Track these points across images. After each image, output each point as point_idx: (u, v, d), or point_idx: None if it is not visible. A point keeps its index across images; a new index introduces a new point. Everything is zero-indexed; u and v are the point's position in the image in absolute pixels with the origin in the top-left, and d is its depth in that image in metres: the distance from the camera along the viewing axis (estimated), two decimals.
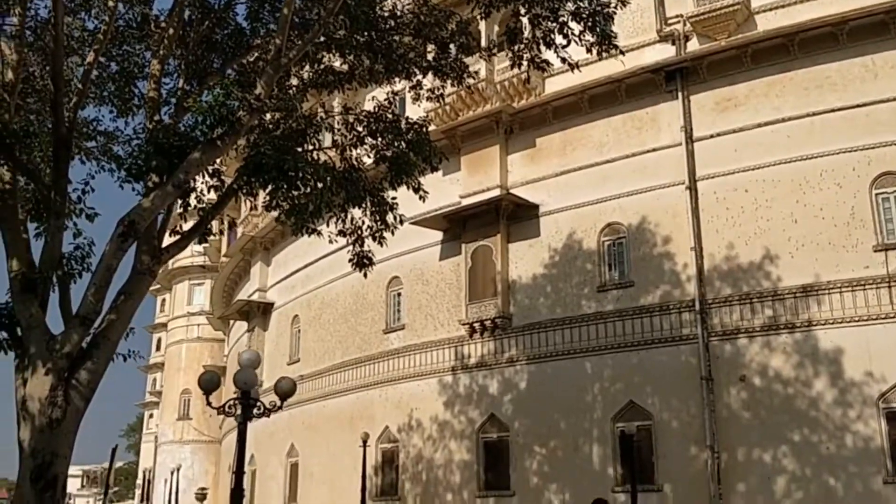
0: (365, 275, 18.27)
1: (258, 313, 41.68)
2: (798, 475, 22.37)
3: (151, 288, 73.82)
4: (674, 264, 25.33)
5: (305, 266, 38.04)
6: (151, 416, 75.62)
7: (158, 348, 73.80)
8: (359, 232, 17.67)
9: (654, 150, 26.23)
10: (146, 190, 13.61)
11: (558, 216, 27.80)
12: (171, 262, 63.96)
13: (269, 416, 12.13)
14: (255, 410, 11.81)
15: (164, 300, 72.00)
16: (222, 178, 14.53)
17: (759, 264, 24.02)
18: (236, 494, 11.85)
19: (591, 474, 25.43)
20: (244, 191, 14.74)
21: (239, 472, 11.85)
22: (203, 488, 49.57)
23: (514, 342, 28.12)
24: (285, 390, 12.15)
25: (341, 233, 17.42)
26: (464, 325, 29.03)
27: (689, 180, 25.13)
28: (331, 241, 17.95)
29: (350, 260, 17.90)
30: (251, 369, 11.58)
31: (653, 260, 25.72)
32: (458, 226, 29.72)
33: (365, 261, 17.84)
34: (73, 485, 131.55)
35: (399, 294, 32.50)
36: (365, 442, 28.58)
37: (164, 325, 68.11)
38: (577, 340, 26.61)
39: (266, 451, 39.14)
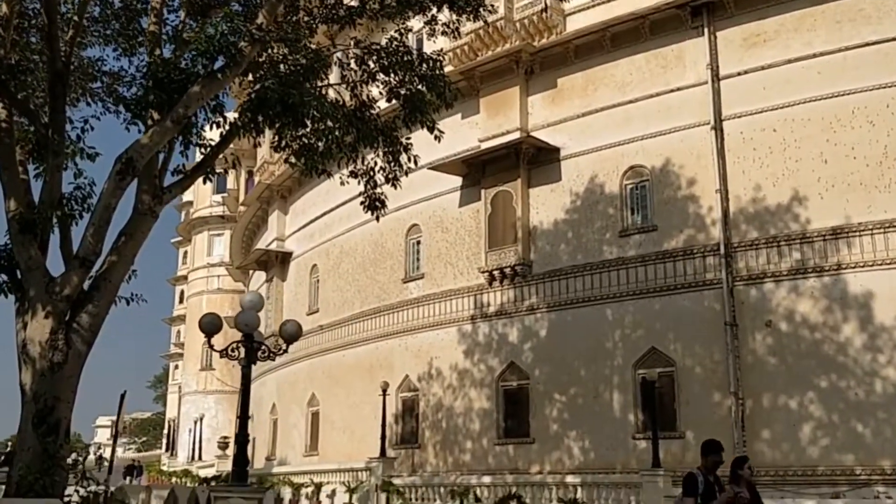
0: (377, 218, 17.73)
1: (276, 263, 41.40)
2: (825, 422, 21.84)
3: (173, 240, 74.22)
4: (698, 207, 24.59)
5: (323, 214, 37.60)
6: (177, 367, 76.25)
7: (181, 301, 74.09)
8: (371, 174, 17.06)
9: (678, 89, 25.31)
10: (146, 127, 13.09)
11: (580, 159, 27.05)
12: (190, 212, 64.12)
13: (273, 358, 11.74)
14: (259, 353, 11.40)
15: (185, 252, 72.17)
16: (225, 114, 13.95)
17: (787, 206, 23.23)
18: (241, 440, 11.49)
19: (611, 421, 25.06)
20: (249, 128, 14.18)
21: (243, 418, 11.49)
22: (225, 437, 49.78)
23: (535, 289, 27.62)
24: (290, 333, 11.72)
25: (353, 174, 16.85)
26: (483, 272, 28.53)
27: (715, 120, 24.25)
28: (342, 184, 17.39)
29: (362, 203, 17.36)
30: (253, 311, 11.16)
31: (677, 203, 24.98)
32: (478, 171, 29.05)
33: (377, 203, 17.28)
34: (102, 435, 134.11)
35: (418, 242, 32.01)
36: (385, 391, 28.33)
37: (186, 278, 68.31)
38: (598, 287, 26.05)
39: (287, 400, 39.18)
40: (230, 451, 49.36)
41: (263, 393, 43.28)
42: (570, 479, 23.03)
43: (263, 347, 11.48)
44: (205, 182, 14.58)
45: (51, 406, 11.50)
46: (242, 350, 11.33)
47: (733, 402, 22.75)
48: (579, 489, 22.29)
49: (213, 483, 38.20)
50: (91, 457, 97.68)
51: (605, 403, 25.33)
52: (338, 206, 35.66)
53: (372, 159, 17.61)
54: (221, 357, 11.43)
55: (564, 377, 26.30)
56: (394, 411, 30.68)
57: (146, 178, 13.49)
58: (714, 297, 23.78)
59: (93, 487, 11.62)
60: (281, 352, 11.79)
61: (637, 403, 24.65)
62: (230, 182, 57.67)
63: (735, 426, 22.59)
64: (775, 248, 23.26)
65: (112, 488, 17.09)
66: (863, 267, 21.96)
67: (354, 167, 16.72)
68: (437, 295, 30.42)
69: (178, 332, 76.82)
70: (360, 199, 17.64)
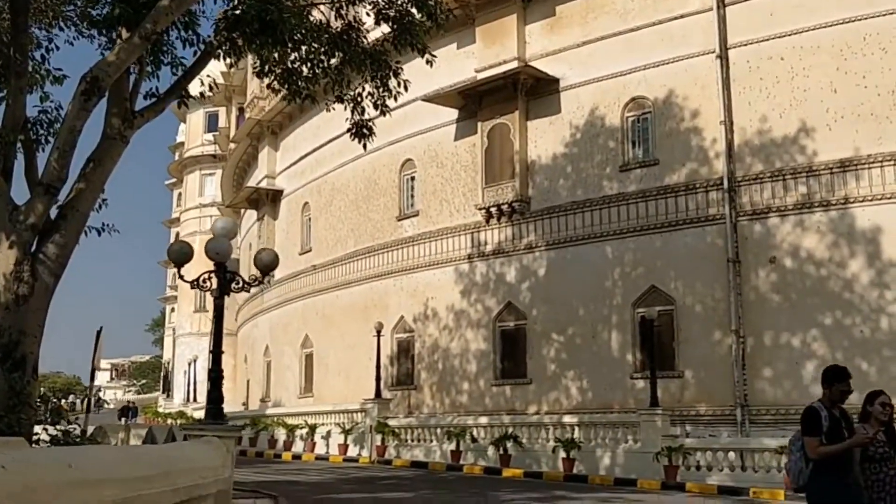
0: (365, 146, 16.82)
1: (267, 201, 40.54)
2: (828, 360, 21.13)
3: (167, 182, 73.09)
4: (702, 140, 23.72)
5: (314, 150, 36.64)
6: (173, 310, 75.79)
7: None
8: (358, 99, 16.12)
9: (682, 16, 24.22)
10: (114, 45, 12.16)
11: (580, 90, 26.06)
12: (182, 152, 62.99)
13: (248, 290, 11.03)
14: (233, 285, 10.67)
15: (179, 194, 71.13)
16: (199, 33, 13.01)
17: (794, 138, 22.37)
18: (214, 376, 10.81)
19: (609, 361, 24.53)
20: (226, 48, 13.24)
21: (216, 352, 10.79)
22: None
23: (533, 227, 26.86)
24: (266, 262, 10.97)
25: (339, 99, 15.89)
26: (480, 209, 27.74)
27: (720, 49, 23.22)
28: (328, 110, 16.46)
29: (349, 130, 16.44)
30: (224, 238, 10.39)
31: (679, 136, 24.11)
32: (474, 102, 28.05)
33: (365, 131, 16.36)
34: (102, 377, 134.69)
35: (412, 178, 31.15)
36: (379, 332, 27.75)
37: (180, 220, 67.42)
38: (597, 224, 25.29)
39: (280, 342, 38.70)
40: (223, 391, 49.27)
41: (257, 335, 42.83)
42: (567, 419, 22.59)
43: (237, 279, 10.76)
44: (179, 106, 13.76)
45: (16, 341, 10.79)
46: (214, 281, 10.60)
47: (734, 341, 22.18)
48: (576, 429, 21.85)
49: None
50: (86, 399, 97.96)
51: (603, 343, 24.78)
52: (329, 142, 34.67)
53: (360, 84, 16.66)
54: (192, 288, 10.71)
55: (562, 317, 25.71)
56: (389, 353, 30.15)
57: (115, 101, 12.58)
58: (717, 232, 23.07)
59: (63, 426, 10.98)
60: (256, 283, 11.05)
61: (636, 343, 24.11)
62: (221, 120, 56.44)
63: (735, 365, 22.07)
64: (781, 182, 22.46)
65: (91, 427, 16.61)
66: (871, 200, 21.19)
67: (341, 91, 15.77)
68: (432, 233, 29.66)
69: (174, 274, 76.16)
70: (348, 127, 16.69)
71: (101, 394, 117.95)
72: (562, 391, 25.35)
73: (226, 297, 11.04)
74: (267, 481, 18.95)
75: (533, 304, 26.50)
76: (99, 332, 15.54)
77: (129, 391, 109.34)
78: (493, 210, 27.35)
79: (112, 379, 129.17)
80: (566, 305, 25.56)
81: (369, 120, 16.57)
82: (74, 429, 11.11)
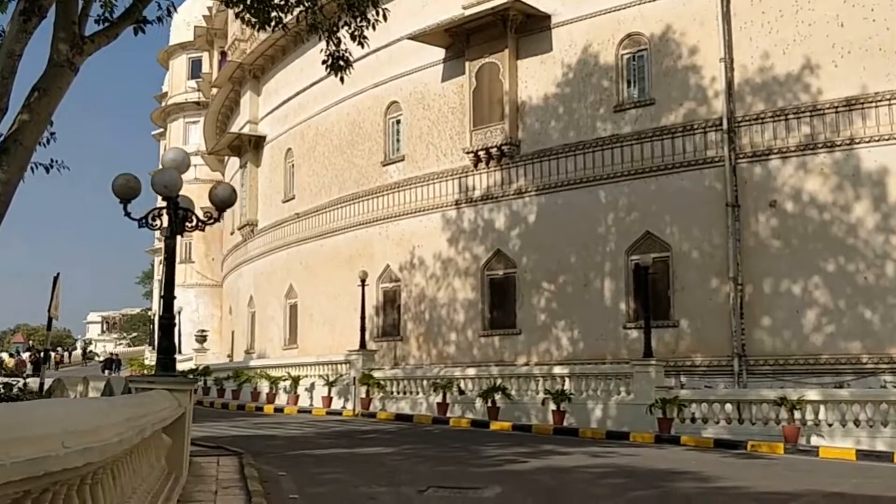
0: (342, 80, 15.67)
1: (250, 148, 39.21)
2: (830, 308, 20.40)
3: (154, 132, 71.43)
4: (700, 78, 22.54)
5: (297, 94, 35.27)
6: (161, 262, 74.72)
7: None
8: (334, 29, 14.91)
9: None
10: None
11: (572, 27, 24.74)
12: (165, 99, 61.33)
13: (202, 229, 9.94)
14: (187, 224, 9.57)
15: (165, 145, 69.47)
16: None
17: (798, 75, 21.21)
18: (165, 324, 9.76)
19: (601, 310, 23.62)
20: None
21: (167, 298, 9.74)
22: (203, 330, 48.60)
23: (523, 171, 25.74)
24: (222, 197, 9.86)
25: (313, 27, 14.67)
26: (468, 153, 26.58)
27: None
28: (303, 41, 15.24)
29: (324, 62, 15.25)
30: (174, 171, 9.26)
31: (677, 74, 22.91)
32: (462, 41, 26.70)
33: (342, 63, 15.17)
34: (93, 330, 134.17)
35: (398, 122, 29.91)
36: (363, 281, 26.73)
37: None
38: (590, 167, 24.19)
39: (264, 292, 37.72)
40: (207, 344, 48.42)
41: (241, 285, 41.84)
42: (557, 370, 21.73)
43: (191, 216, 9.66)
44: (136, 33, 12.46)
45: None
46: (164, 218, 9.53)
47: (732, 288, 21.27)
48: (567, 380, 21.01)
49: (189, 376, 37.22)
50: (77, 351, 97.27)
51: (595, 292, 23.84)
52: (312, 85, 33.34)
53: (336, 14, 15.45)
54: (140, 227, 9.66)
55: (553, 265, 24.73)
56: (374, 303, 29.21)
57: (62, 24, 11.41)
58: (715, 176, 22.02)
59: (5, 380, 10.02)
60: (211, 221, 9.96)
61: (629, 291, 23.19)
62: (205, 66, 54.70)
63: (733, 313, 21.18)
64: (783, 122, 21.35)
65: (49, 380, 15.65)
66: (878, 141, 20.13)
67: (314, 20, 14.54)
68: (418, 179, 28.53)
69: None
70: (323, 59, 15.49)
71: (91, 346, 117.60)
72: (552, 342, 24.47)
73: (179, 236, 9.96)
74: (242, 436, 18.12)
75: (522, 252, 25.51)
76: (56, 279, 14.47)
77: (120, 344, 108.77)
78: (481, 154, 26.21)
79: (103, 332, 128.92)
80: (557, 253, 24.57)
81: (346, 51, 15.36)
82: (16, 382, 10.10)
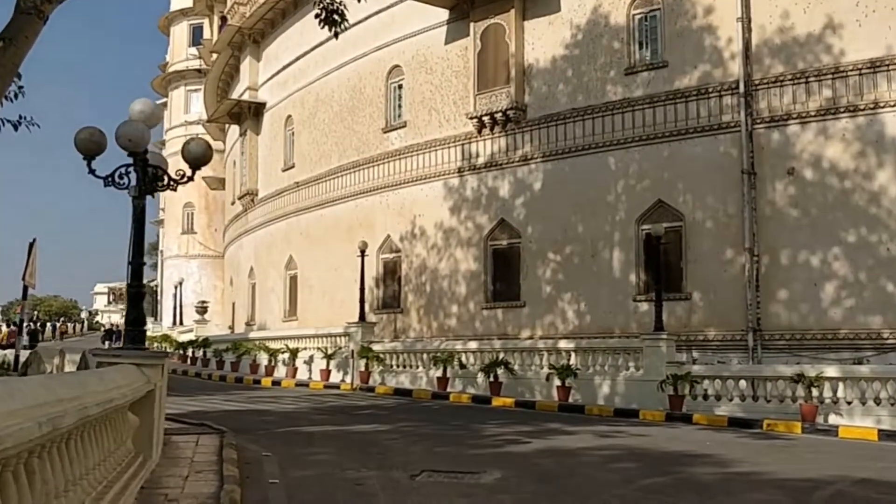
0: (336, 35, 14.66)
1: (249, 115, 38.20)
2: (850, 280, 19.46)
3: (158, 101, 70.31)
4: (715, 39, 21.46)
5: (297, 59, 34.22)
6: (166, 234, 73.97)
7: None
8: None
9: None
10: None
11: None
12: (166, 67, 60.22)
13: (174, 189, 9.03)
14: (158, 183, 8.65)
15: (168, 115, 68.28)
16: None
17: (819, 36, 20.13)
18: (133, 294, 8.86)
19: (610, 282, 22.71)
20: None
21: (136, 265, 8.82)
22: (203, 302, 47.97)
23: (529, 137, 24.75)
24: (195, 154, 8.92)
25: None
26: (472, 119, 25.58)
27: None
28: (303, 2, 14.20)
29: (317, 15, 14.27)
30: (139, 123, 8.33)
31: (691, 35, 21.83)
32: (466, 1, 25.60)
33: (336, 17, 14.17)
34: (100, 301, 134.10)
35: (399, 86, 28.88)
36: (363, 251, 25.81)
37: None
38: (600, 133, 23.19)
39: (265, 263, 36.90)
40: (210, 315, 47.75)
41: (241, 256, 41.03)
42: (562, 344, 20.84)
43: (160, 173, 8.75)
44: None
45: None
46: (133, 176, 8.62)
47: (747, 260, 20.34)
48: (573, 355, 20.12)
49: (189, 348, 36.54)
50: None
51: (604, 263, 22.92)
52: (312, 49, 32.38)
53: None
54: (106, 185, 8.74)
55: (560, 234, 23.80)
56: (375, 274, 28.37)
57: None
58: (730, 141, 21.00)
59: None
60: (184, 180, 9.05)
61: (640, 262, 22.28)
62: (206, 32, 53.58)
63: (748, 286, 20.27)
64: (803, 85, 20.30)
65: (26, 353, 14.84)
66: None
67: None
68: (420, 146, 27.56)
69: (165, 197, 74.01)
70: (316, 13, 14.49)
71: (98, 317, 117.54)
72: (558, 315, 23.59)
73: (149, 196, 9.04)
74: (234, 410, 17.36)
75: (528, 221, 24.57)
76: (32, 245, 13.60)
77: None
78: (485, 119, 25.21)
79: (109, 303, 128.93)
80: (564, 222, 23.64)
81: (340, 3, 14.35)
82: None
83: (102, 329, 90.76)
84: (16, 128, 11.43)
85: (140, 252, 8.87)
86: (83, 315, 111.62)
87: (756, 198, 20.50)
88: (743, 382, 17.83)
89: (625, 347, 19.73)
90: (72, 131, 8.56)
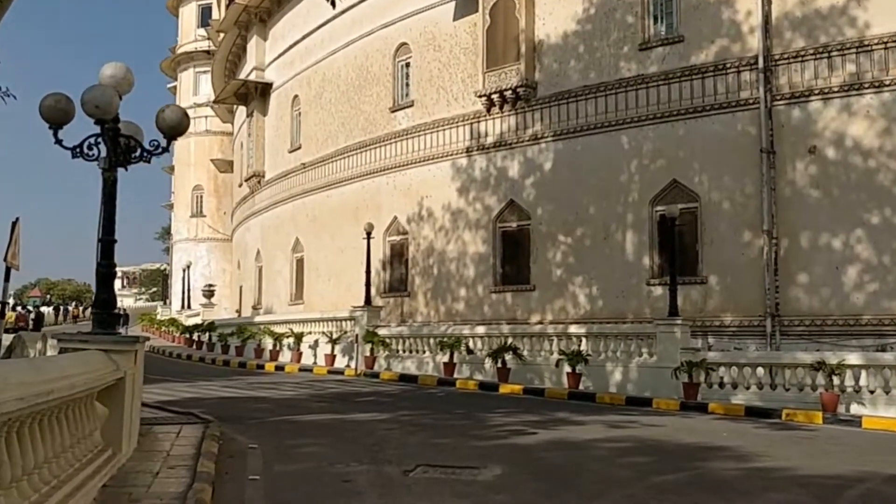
0: (333, 4, 13.95)
1: (256, 95, 37.54)
2: (874, 264, 18.65)
3: (169, 85, 69.68)
4: (734, 13, 20.63)
5: (304, 38, 33.52)
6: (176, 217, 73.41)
7: None
8: None
9: None
10: None
11: None
12: (175, 48, 59.56)
13: (148, 160, 8.33)
14: (132, 155, 7.94)
15: (178, 97, 67.68)
16: None
17: (843, 8, 19.27)
18: (103, 273, 8.18)
19: (622, 265, 21.96)
20: None
21: (106, 242, 8.14)
22: (210, 285, 47.47)
23: (539, 115, 23.97)
24: (171, 122, 8.20)
25: None
26: (481, 97, 24.81)
27: None
28: None
29: None
30: (108, 87, 7.62)
31: (708, 8, 20.99)
32: None
33: None
34: (115, 285, 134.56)
35: (407, 65, 28.12)
36: (369, 234, 25.12)
37: None
38: (612, 110, 22.39)
39: (271, 246, 36.32)
40: (219, 299, 47.27)
41: (248, 239, 40.48)
42: (573, 329, 20.08)
43: (132, 143, 8.06)
44: None
45: None
46: (102, 147, 7.92)
47: (766, 242, 19.57)
48: (584, 341, 19.37)
49: (196, 332, 36.03)
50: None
51: (616, 245, 22.15)
52: (319, 27, 31.69)
53: None
54: (74, 157, 8.07)
55: (571, 216, 23.05)
56: (381, 257, 27.72)
57: None
58: (749, 119, 20.18)
59: None
60: (159, 151, 8.36)
61: (653, 245, 21.53)
62: (214, 12, 52.83)
63: (767, 269, 19.50)
64: (825, 60, 19.43)
65: (9, 337, 14.27)
66: None
67: None
68: (427, 125, 26.83)
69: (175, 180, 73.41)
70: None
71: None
72: (568, 299, 22.86)
73: (122, 168, 8.35)
74: (230, 398, 16.76)
75: (538, 202, 23.82)
76: (14, 224, 12.98)
77: (140, 299, 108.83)
78: (494, 97, 24.43)
79: (123, 287, 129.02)
80: (575, 203, 22.88)
81: None
82: None
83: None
84: None
85: (110, 229, 8.20)
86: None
87: (775, 178, 19.70)
88: (760, 370, 17.03)
89: (638, 333, 18.95)
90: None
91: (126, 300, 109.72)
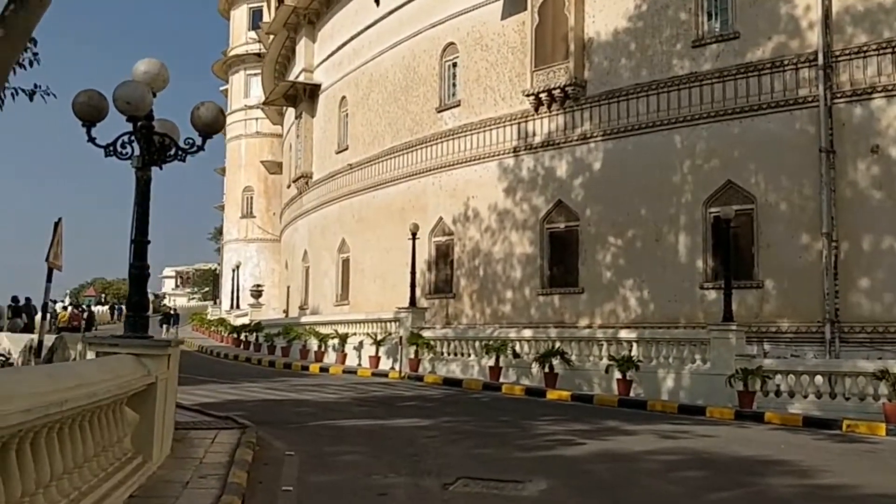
0: (377, 2, 13.62)
1: (305, 97, 37.53)
2: None
3: (222, 88, 70.34)
4: (792, 7, 19.91)
5: (352, 38, 33.34)
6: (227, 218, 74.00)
7: None
8: None
9: None
10: None
11: None
12: (227, 51, 59.99)
13: (183, 159, 8.06)
14: (167, 154, 7.69)
15: (229, 100, 68.15)
16: None
17: None
18: (136, 274, 7.91)
19: (675, 268, 21.33)
20: None
21: (139, 243, 7.86)
22: (258, 285, 47.64)
23: (589, 114, 23.44)
24: (206, 120, 7.89)
25: None
26: (528, 96, 24.36)
27: None
28: None
29: None
30: (141, 84, 7.36)
31: (765, 3, 20.32)
32: None
33: None
34: (168, 284, 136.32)
35: (454, 65, 27.79)
36: (414, 234, 24.83)
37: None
38: (665, 109, 21.78)
39: (318, 246, 36.27)
40: (268, 299, 47.42)
41: (296, 239, 40.54)
42: (623, 333, 19.53)
43: (167, 142, 7.81)
44: None
45: None
46: (135, 145, 7.68)
47: (825, 245, 18.82)
48: (634, 345, 18.81)
49: (243, 332, 36.10)
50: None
51: (668, 247, 21.53)
52: (367, 28, 31.43)
53: None
54: (107, 156, 7.85)
55: (621, 217, 22.48)
56: (426, 258, 27.41)
57: None
58: (808, 117, 19.43)
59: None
60: (194, 149, 8.09)
61: (707, 247, 20.86)
62: (265, 15, 53.11)
63: (826, 274, 18.74)
64: (889, 55, 18.66)
65: (51, 338, 14.21)
66: None
67: None
68: (474, 125, 26.45)
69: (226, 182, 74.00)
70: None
71: (165, 301, 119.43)
72: (619, 302, 22.29)
73: (157, 167, 8.12)
74: (272, 400, 16.55)
75: (587, 203, 23.28)
76: (57, 224, 12.91)
77: (193, 298, 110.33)
78: (542, 96, 23.96)
79: (177, 286, 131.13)
80: (626, 204, 22.30)
81: None
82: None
83: (172, 312, 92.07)
84: (31, 97, 10.64)
85: (144, 230, 7.95)
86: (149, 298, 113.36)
87: (835, 178, 18.93)
88: (819, 378, 16.34)
89: (690, 338, 18.34)
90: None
91: (179, 300, 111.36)
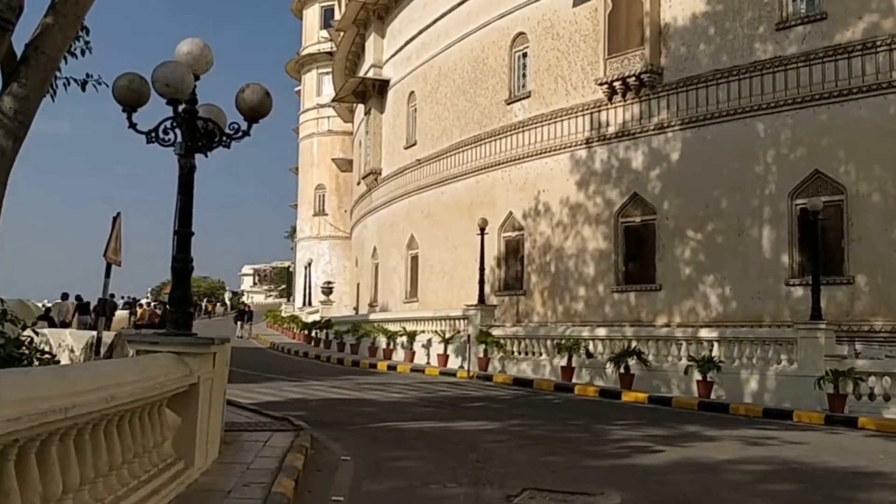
0: None
1: (374, 93, 37.21)
2: None
3: (297, 88, 70.81)
4: None
5: (420, 32, 32.87)
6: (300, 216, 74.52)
7: None
8: None
9: None
10: None
11: None
12: (300, 51, 60.27)
13: (228, 146, 7.57)
14: (213, 140, 7.21)
15: (302, 99, 68.50)
16: None
17: None
18: (179, 268, 7.40)
19: (759, 263, 20.21)
20: None
21: (182, 234, 7.37)
22: (328, 282, 47.54)
23: (665, 103, 22.46)
24: (251, 104, 7.35)
25: None
26: (601, 85, 23.49)
27: None
28: None
29: None
30: (181, 65, 6.88)
31: None
32: None
33: None
34: (246, 282, 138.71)
35: (524, 55, 27.03)
36: (483, 230, 24.17)
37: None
38: (747, 96, 20.68)
39: (387, 243, 35.90)
40: (339, 296, 47.34)
41: (365, 236, 40.29)
42: (703, 332, 18.52)
43: (212, 128, 7.32)
44: None
45: None
46: (178, 131, 7.23)
47: None
48: (715, 345, 17.79)
49: (314, 329, 35.99)
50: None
51: (751, 242, 20.42)
52: (435, 22, 30.97)
53: None
54: (149, 142, 7.41)
55: (700, 210, 21.44)
56: (495, 254, 26.75)
57: None
58: None
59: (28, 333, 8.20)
60: (239, 135, 7.58)
61: (793, 241, 19.71)
62: (336, 14, 53.08)
63: None
64: None
65: (111, 335, 14.01)
66: None
67: None
68: (545, 116, 25.65)
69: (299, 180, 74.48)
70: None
71: (244, 298, 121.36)
72: (698, 299, 21.25)
73: (201, 154, 7.64)
74: (336, 399, 16.11)
75: (664, 196, 22.29)
76: (115, 219, 12.67)
77: (270, 296, 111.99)
78: (616, 85, 23.04)
79: (255, 284, 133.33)
80: (705, 196, 21.25)
81: None
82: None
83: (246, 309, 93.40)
84: (83, 87, 10.31)
85: (187, 221, 7.48)
86: (226, 296, 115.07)
87: None
88: None
89: (776, 338, 17.26)
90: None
91: (256, 297, 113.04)
